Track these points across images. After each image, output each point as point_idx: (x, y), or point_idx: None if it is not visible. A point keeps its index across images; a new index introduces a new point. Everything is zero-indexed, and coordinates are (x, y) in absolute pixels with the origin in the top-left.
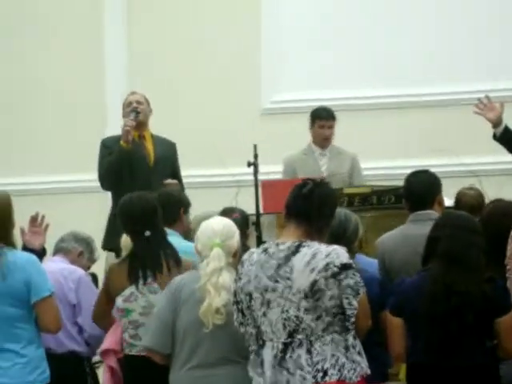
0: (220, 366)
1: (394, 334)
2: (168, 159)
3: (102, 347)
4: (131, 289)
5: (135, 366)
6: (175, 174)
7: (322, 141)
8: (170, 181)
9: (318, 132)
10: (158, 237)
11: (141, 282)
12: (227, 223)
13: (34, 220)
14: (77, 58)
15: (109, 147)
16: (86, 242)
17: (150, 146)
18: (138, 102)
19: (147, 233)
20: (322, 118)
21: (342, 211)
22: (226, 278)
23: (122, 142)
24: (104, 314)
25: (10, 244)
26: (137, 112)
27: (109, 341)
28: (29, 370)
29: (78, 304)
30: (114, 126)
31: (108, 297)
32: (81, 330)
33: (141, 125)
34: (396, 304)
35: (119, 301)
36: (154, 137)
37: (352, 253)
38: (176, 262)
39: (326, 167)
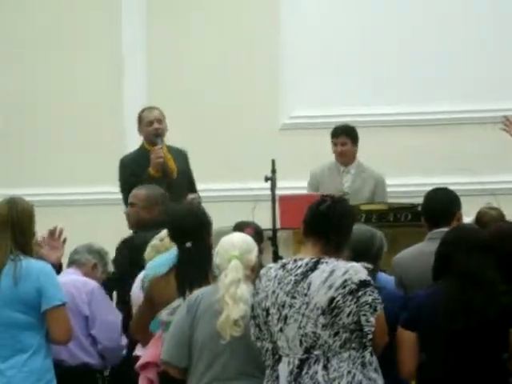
0: (237, 381)
1: (404, 349)
2: (185, 170)
3: (143, 360)
4: (178, 301)
5: (175, 381)
6: (191, 183)
7: (338, 158)
8: (191, 196)
9: (333, 150)
10: (202, 249)
11: (187, 294)
12: (246, 238)
13: (52, 234)
14: (95, 69)
15: (129, 167)
16: (100, 255)
17: (170, 160)
18: (159, 121)
19: (188, 244)
20: (334, 136)
21: (367, 228)
22: (244, 290)
23: (152, 171)
24: (145, 327)
25: (28, 253)
26: (161, 136)
27: (150, 353)
28: (33, 379)
29: (91, 316)
30: (132, 138)
31: (150, 310)
32: (94, 342)
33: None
34: (409, 318)
35: (164, 313)
36: (169, 149)
37: (376, 270)
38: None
39: (348, 185)
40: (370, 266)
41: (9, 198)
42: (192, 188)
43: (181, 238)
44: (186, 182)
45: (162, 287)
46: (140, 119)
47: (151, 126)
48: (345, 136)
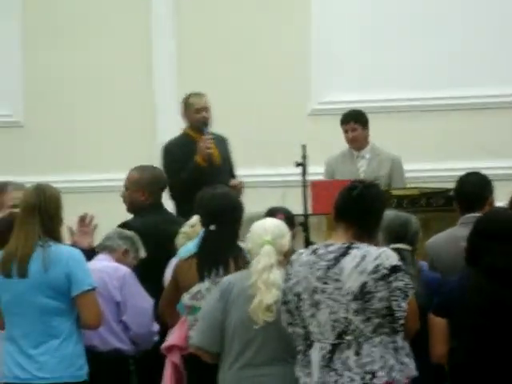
0: (269, 366)
1: (435, 335)
2: (228, 156)
3: (167, 343)
4: (198, 286)
5: (199, 364)
6: (232, 169)
7: (350, 144)
8: (234, 182)
9: (344, 136)
10: (225, 233)
11: (207, 279)
12: (279, 223)
13: (82, 220)
14: (125, 56)
15: (173, 153)
16: (131, 240)
17: (214, 147)
18: (207, 110)
19: (212, 227)
20: (343, 123)
21: (401, 212)
22: (277, 275)
23: (199, 160)
24: (171, 308)
25: (57, 239)
26: (206, 125)
27: (174, 337)
28: (65, 365)
29: (122, 302)
30: (163, 123)
31: (175, 292)
32: (126, 328)
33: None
34: (440, 304)
35: (186, 298)
36: (212, 136)
37: (415, 254)
38: (245, 263)
39: (364, 169)
40: (408, 247)
41: (36, 185)
42: (233, 174)
43: (207, 221)
44: (228, 168)
45: (185, 270)
46: (186, 105)
47: (199, 114)
48: (353, 122)
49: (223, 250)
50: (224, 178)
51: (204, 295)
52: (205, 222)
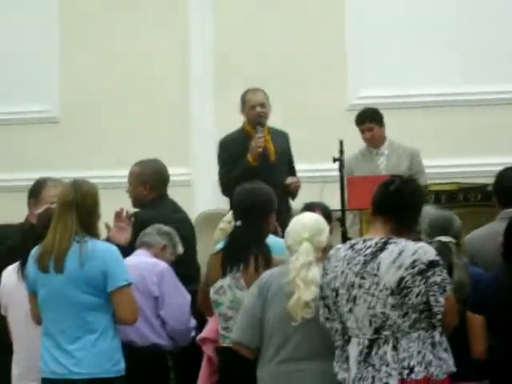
0: (308, 361)
1: (474, 332)
2: (285, 152)
3: (201, 335)
4: (221, 282)
5: (228, 357)
6: (291, 165)
7: (368, 143)
8: (289, 180)
9: (361, 136)
10: (250, 230)
11: (229, 275)
12: (317, 219)
13: (118, 215)
14: (161, 56)
15: (228, 150)
16: (169, 236)
17: (269, 142)
18: (262, 105)
19: (238, 223)
20: (358, 123)
21: (439, 209)
22: (315, 272)
23: (250, 159)
24: (206, 301)
25: (94, 235)
26: (262, 124)
27: (207, 329)
28: (102, 360)
29: (160, 297)
30: (197, 122)
31: (207, 284)
32: (164, 324)
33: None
34: (476, 301)
35: (211, 292)
36: (271, 131)
37: (460, 248)
38: (266, 261)
39: (384, 166)
40: (452, 239)
41: (73, 181)
42: (292, 170)
43: (235, 217)
44: (285, 164)
45: (214, 264)
46: (243, 101)
47: (254, 110)
48: (369, 121)
49: (245, 246)
50: (279, 175)
51: (225, 291)
52: (235, 218)
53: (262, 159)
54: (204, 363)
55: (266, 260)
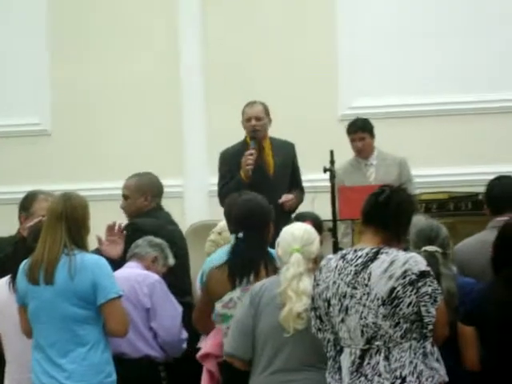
0: (301, 372)
1: (466, 344)
2: (286, 165)
3: (202, 351)
4: (230, 295)
5: (234, 370)
6: (294, 177)
7: (358, 154)
8: (284, 198)
9: (351, 146)
10: (254, 240)
11: (238, 287)
12: (307, 229)
13: (111, 229)
14: (152, 67)
15: (227, 164)
16: (160, 248)
17: (269, 155)
18: (257, 118)
19: (240, 234)
20: (350, 132)
21: (430, 218)
22: (307, 283)
23: (242, 175)
24: (203, 317)
25: (83, 247)
26: (255, 138)
27: (209, 344)
28: (94, 372)
29: (152, 309)
30: (190, 133)
31: (208, 300)
32: (156, 335)
33: (260, 139)
34: (467, 312)
35: (218, 306)
36: (272, 142)
37: (447, 258)
38: (274, 270)
39: (374, 177)
40: (439, 249)
41: (63, 193)
42: (294, 183)
43: (234, 229)
44: (285, 176)
45: (217, 279)
46: (242, 114)
47: (249, 123)
48: (361, 131)
49: (253, 257)
50: (278, 189)
51: (236, 303)
52: (233, 230)
53: (260, 173)
54: (206, 379)
55: (275, 269)
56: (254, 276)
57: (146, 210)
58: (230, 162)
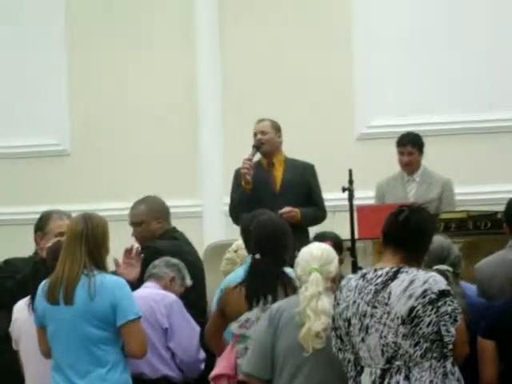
0: None
1: (485, 359)
2: (298, 183)
3: (215, 372)
4: (247, 315)
5: None
6: (312, 197)
7: (403, 167)
8: (283, 210)
9: (398, 158)
10: (271, 261)
11: (256, 307)
12: (326, 248)
13: (128, 252)
14: (169, 88)
15: (238, 178)
16: (178, 268)
17: (279, 171)
18: (263, 133)
19: (257, 255)
20: (400, 145)
21: (442, 236)
22: (325, 302)
23: (242, 184)
24: (216, 336)
25: (102, 268)
26: (257, 148)
27: (222, 366)
28: None
29: (170, 329)
30: (207, 152)
31: (222, 320)
32: (174, 355)
33: (268, 153)
34: (488, 327)
35: (234, 326)
36: (287, 161)
37: (458, 276)
38: (293, 290)
39: (414, 193)
40: (450, 268)
41: (83, 213)
42: (312, 202)
43: (252, 249)
44: (293, 194)
45: (233, 298)
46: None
47: (255, 137)
48: (411, 145)
49: (270, 277)
50: (282, 205)
51: (253, 323)
52: (250, 250)
53: (265, 188)
54: None
55: (293, 289)
56: (272, 297)
57: (159, 232)
58: (240, 177)
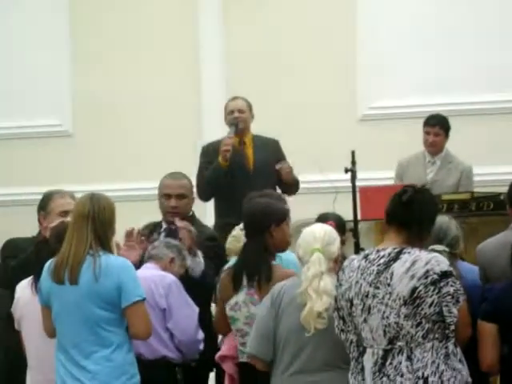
0: (322, 372)
1: (485, 342)
2: (270, 161)
3: (219, 353)
4: (235, 298)
5: (247, 372)
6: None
7: (427, 147)
8: (279, 165)
9: (424, 138)
10: (255, 245)
11: (242, 291)
12: (328, 229)
13: (129, 235)
14: (174, 70)
15: (208, 156)
16: (178, 249)
17: (250, 150)
18: (240, 111)
19: (246, 238)
20: (428, 125)
21: (442, 216)
22: (328, 282)
23: (220, 160)
24: (221, 319)
25: (108, 249)
26: (237, 126)
27: (226, 347)
28: (117, 374)
29: (168, 309)
30: (210, 132)
31: (221, 302)
32: (172, 336)
33: (242, 132)
34: (488, 310)
35: (227, 309)
36: (254, 140)
37: (456, 257)
38: (267, 278)
39: (432, 175)
40: (446, 248)
41: (90, 194)
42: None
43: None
44: (266, 173)
45: (225, 282)
46: (225, 108)
47: (231, 115)
48: (439, 127)
49: (253, 262)
50: (257, 183)
51: (240, 306)
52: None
53: (240, 168)
54: (226, 381)
55: (278, 273)
56: (255, 281)
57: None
58: (210, 154)
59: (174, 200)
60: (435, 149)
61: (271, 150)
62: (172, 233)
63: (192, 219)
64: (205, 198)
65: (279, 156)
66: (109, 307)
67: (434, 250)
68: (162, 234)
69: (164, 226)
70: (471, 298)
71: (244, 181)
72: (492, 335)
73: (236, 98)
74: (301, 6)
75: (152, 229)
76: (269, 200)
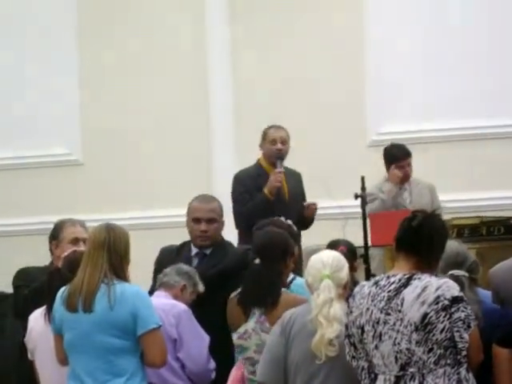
0: None
1: (500, 367)
2: (299, 192)
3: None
4: (245, 326)
5: None
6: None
7: (403, 179)
8: (308, 202)
9: (396, 174)
10: (270, 271)
11: (253, 318)
12: (336, 256)
13: None
14: (181, 95)
15: (244, 185)
16: (188, 276)
17: (284, 180)
18: (283, 142)
19: (257, 260)
20: (400, 159)
21: (458, 242)
22: (338, 309)
23: (267, 192)
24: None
25: (123, 278)
26: (282, 159)
27: (231, 380)
28: None
29: (178, 339)
30: (219, 161)
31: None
32: (183, 366)
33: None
34: (503, 335)
35: (235, 337)
36: (285, 170)
37: (475, 283)
38: (273, 302)
39: (409, 200)
40: (465, 273)
41: (106, 224)
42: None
43: (255, 255)
44: (297, 203)
45: (232, 308)
46: (264, 135)
47: (274, 146)
48: (409, 157)
49: (267, 287)
50: (291, 213)
51: (250, 335)
52: (254, 256)
53: (278, 196)
54: None
55: (289, 300)
56: (267, 308)
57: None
58: (246, 183)
59: (204, 224)
60: (409, 178)
61: (298, 181)
62: (204, 257)
63: (222, 243)
64: (245, 227)
65: (302, 188)
66: (123, 335)
67: (452, 275)
68: (195, 260)
69: (194, 250)
70: (491, 322)
71: (282, 210)
72: (507, 360)
73: (279, 128)
74: (311, 34)
75: (179, 249)
76: (285, 231)
